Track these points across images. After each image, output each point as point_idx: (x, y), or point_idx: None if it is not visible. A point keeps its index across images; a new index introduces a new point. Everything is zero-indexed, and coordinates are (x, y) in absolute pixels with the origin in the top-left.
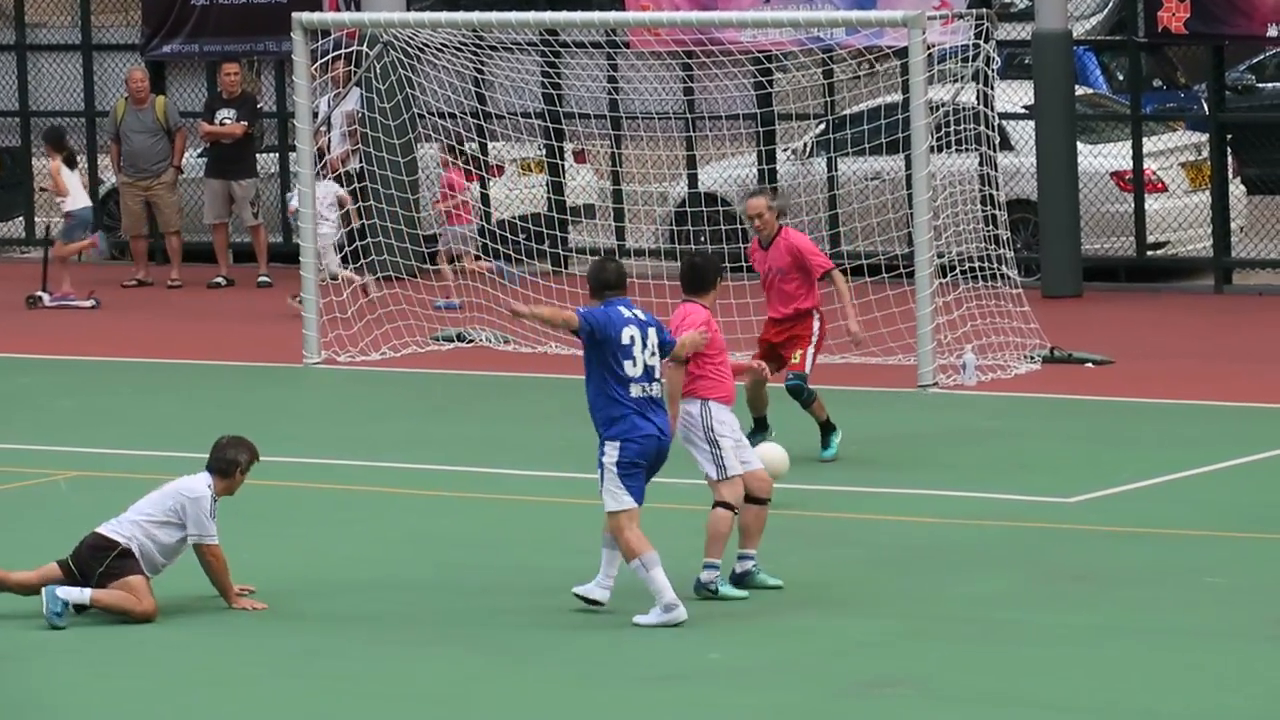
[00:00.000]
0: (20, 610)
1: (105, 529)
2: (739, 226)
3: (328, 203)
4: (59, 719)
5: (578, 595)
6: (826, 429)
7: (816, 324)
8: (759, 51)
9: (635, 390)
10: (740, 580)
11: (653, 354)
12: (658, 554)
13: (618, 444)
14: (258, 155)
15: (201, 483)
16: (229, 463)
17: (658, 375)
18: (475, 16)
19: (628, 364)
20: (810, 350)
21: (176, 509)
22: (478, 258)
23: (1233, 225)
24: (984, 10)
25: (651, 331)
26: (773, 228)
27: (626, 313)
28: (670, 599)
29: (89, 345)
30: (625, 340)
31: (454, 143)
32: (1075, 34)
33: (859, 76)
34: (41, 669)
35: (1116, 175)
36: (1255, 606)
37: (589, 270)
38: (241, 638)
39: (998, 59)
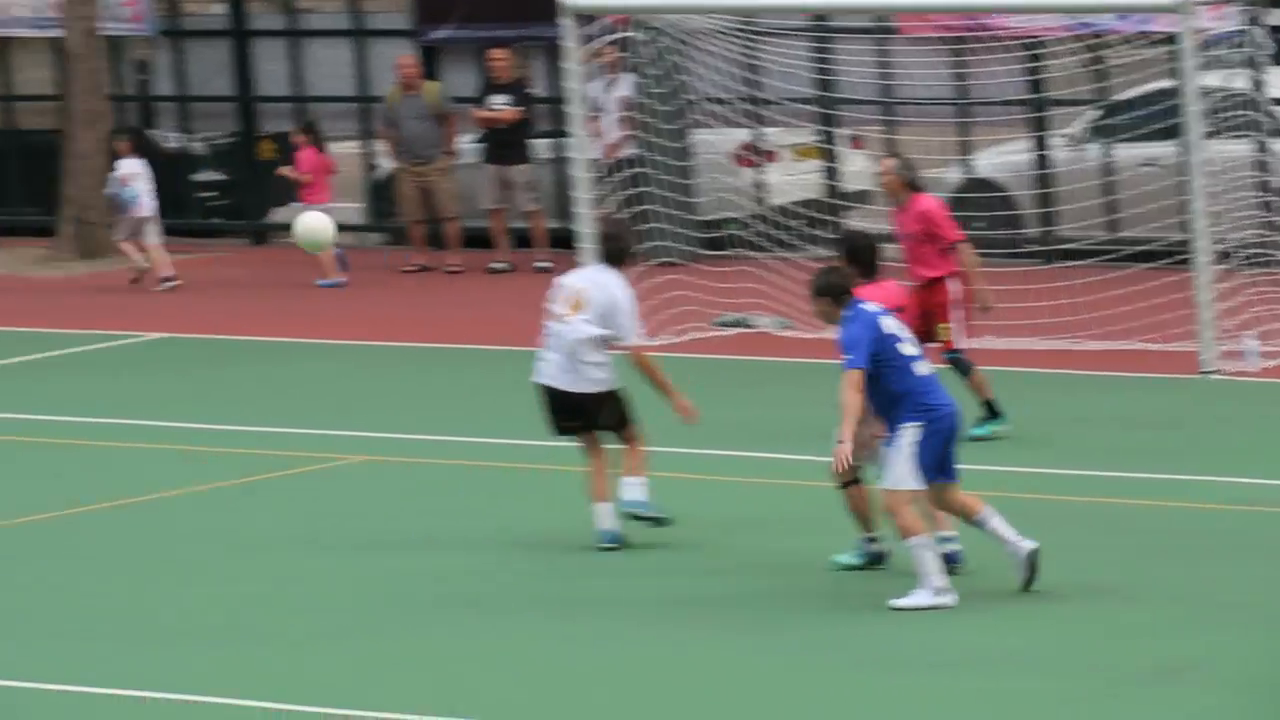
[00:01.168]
0: None
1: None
2: (1016, 212)
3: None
4: None
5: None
6: (990, 410)
7: (951, 291)
8: (1028, 36)
9: (920, 368)
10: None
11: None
12: (932, 537)
13: (919, 424)
14: (532, 140)
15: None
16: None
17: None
18: (744, 2)
19: (902, 346)
20: (952, 325)
21: None
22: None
23: None
24: None
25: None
26: (896, 190)
27: (870, 308)
28: (941, 583)
29: (373, 330)
30: (889, 330)
31: (307, 124)
32: None
33: (1130, 62)
34: None
35: None
36: None
37: (825, 285)
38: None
39: (1271, 44)
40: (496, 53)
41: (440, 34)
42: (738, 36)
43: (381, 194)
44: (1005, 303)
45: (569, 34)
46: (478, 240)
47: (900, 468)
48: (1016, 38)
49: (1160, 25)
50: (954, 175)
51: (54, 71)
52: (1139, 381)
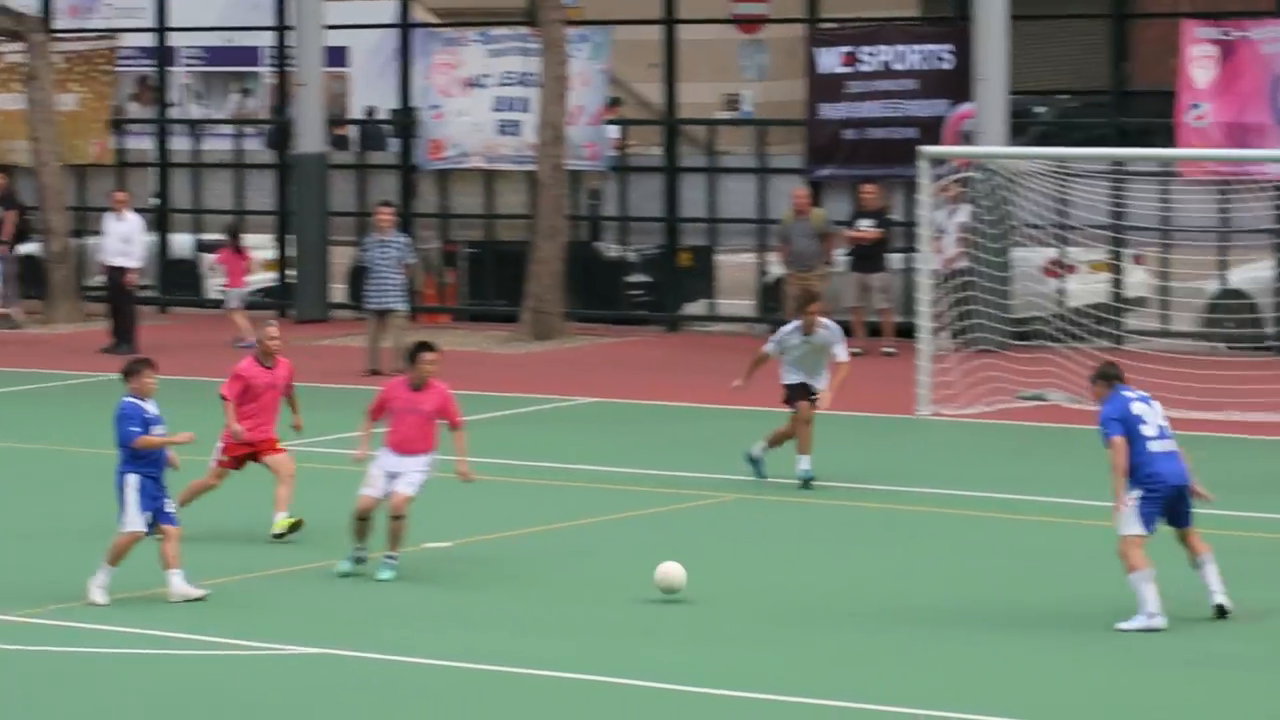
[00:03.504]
0: None
1: None
2: (1258, 316)
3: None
4: None
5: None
6: None
7: None
8: (1278, 179)
9: (1154, 446)
10: None
11: (1162, 416)
12: (1152, 572)
13: (1140, 490)
14: (888, 254)
15: None
16: None
17: (1169, 433)
18: (1061, 151)
19: (1143, 427)
20: None
21: None
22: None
23: None
24: None
25: (1156, 405)
26: None
27: (1129, 394)
28: (1152, 609)
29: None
30: (1136, 412)
31: (232, 231)
32: None
33: None
34: None
35: None
36: None
37: (1099, 373)
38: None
39: None
40: (866, 187)
41: (825, 171)
42: (1052, 176)
43: (770, 294)
44: (1245, 384)
45: (923, 173)
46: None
47: (1129, 518)
48: (1270, 180)
49: None
50: (1212, 286)
51: (526, 196)
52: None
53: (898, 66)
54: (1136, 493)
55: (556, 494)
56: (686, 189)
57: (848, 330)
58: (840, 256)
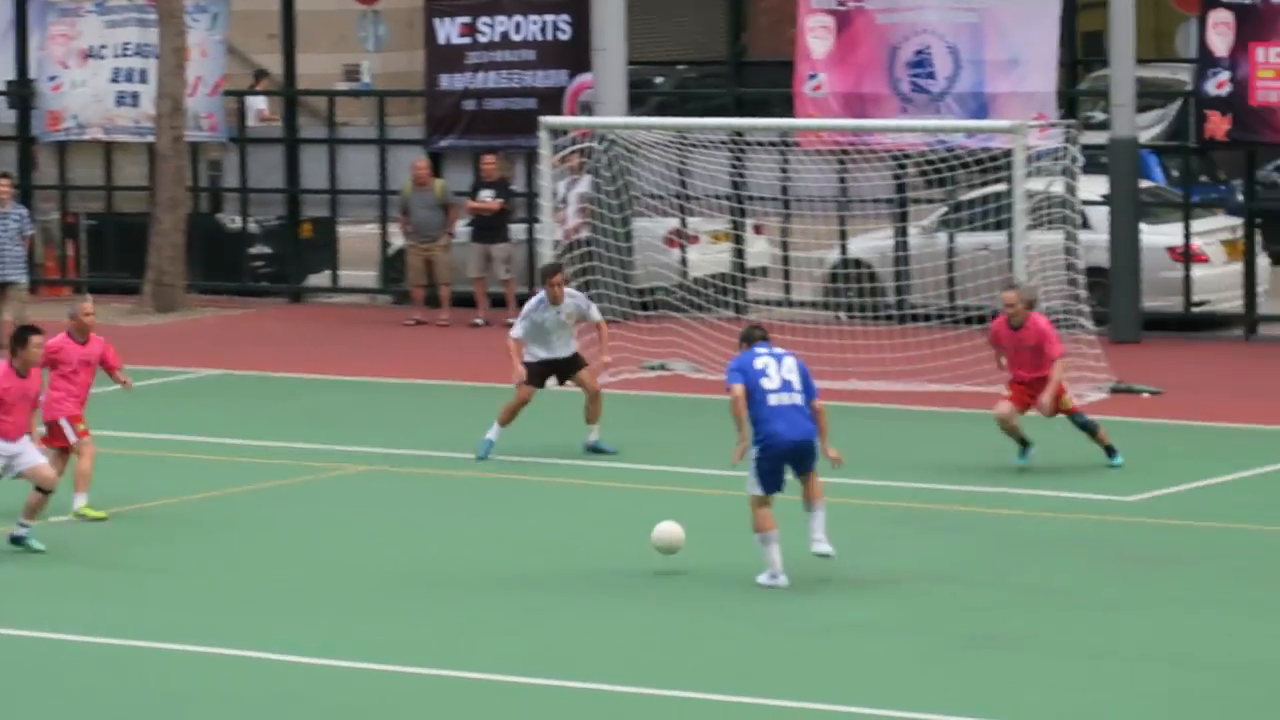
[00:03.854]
0: None
1: None
2: (879, 285)
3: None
4: None
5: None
6: (1110, 451)
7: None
8: (897, 150)
9: (774, 400)
10: None
11: (790, 371)
12: (775, 534)
13: (757, 449)
14: (510, 225)
15: None
16: None
17: (796, 387)
18: (680, 121)
19: (764, 380)
20: (1070, 396)
21: None
22: None
23: (1259, 289)
24: (1071, 121)
25: (788, 360)
26: (1020, 318)
27: (760, 349)
28: (775, 570)
29: (383, 369)
30: (759, 366)
31: None
32: (1141, 140)
33: (974, 170)
34: None
35: (1170, 249)
36: (1272, 583)
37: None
38: (503, 594)
39: (1081, 158)
40: (487, 157)
41: (445, 142)
42: (672, 147)
43: (392, 265)
44: (866, 353)
45: (543, 144)
46: (464, 301)
47: (750, 479)
48: (887, 150)
49: (998, 142)
50: (833, 255)
51: (146, 168)
52: (965, 416)
53: (516, 37)
54: (754, 451)
55: (185, 466)
56: (307, 160)
57: (471, 301)
58: (462, 227)
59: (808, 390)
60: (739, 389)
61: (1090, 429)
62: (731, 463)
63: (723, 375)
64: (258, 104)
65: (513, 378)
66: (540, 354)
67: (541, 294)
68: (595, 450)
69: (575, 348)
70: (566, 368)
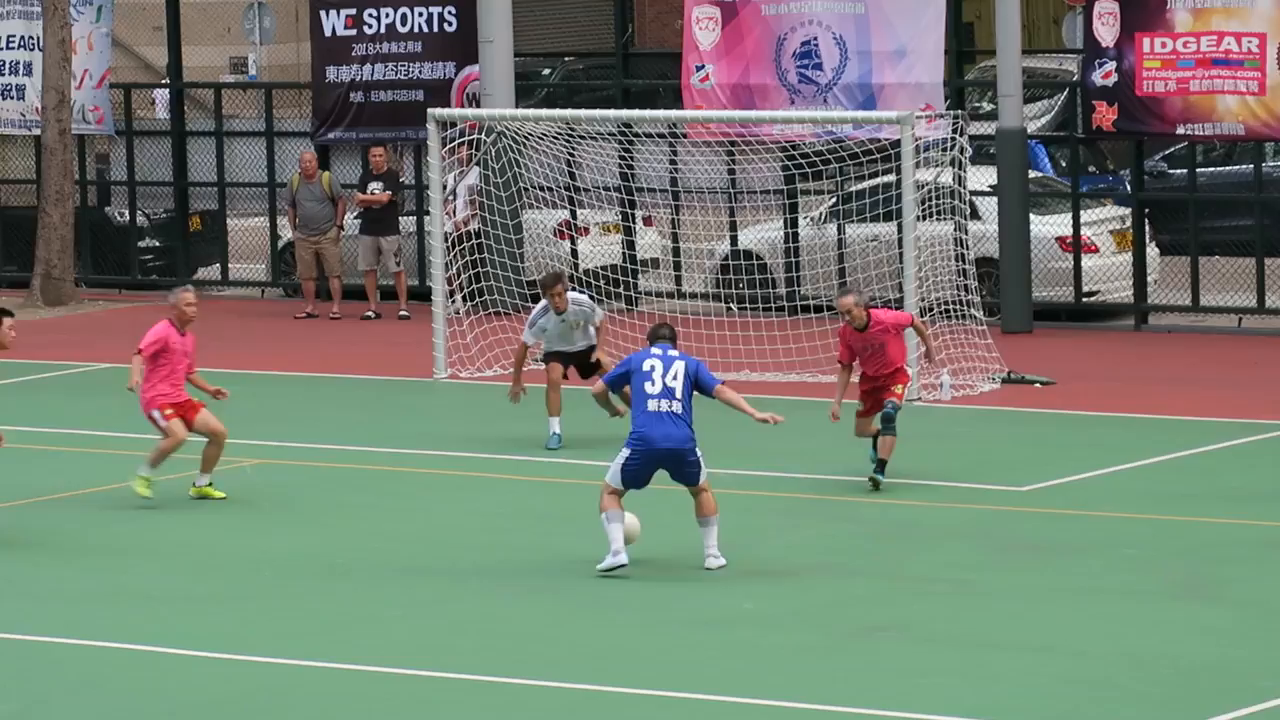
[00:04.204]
0: None
1: None
2: (769, 276)
3: None
4: None
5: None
6: (881, 465)
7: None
8: (786, 141)
9: (651, 406)
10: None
11: (675, 378)
12: (619, 513)
13: (628, 450)
14: (400, 217)
15: None
16: None
17: (678, 395)
18: (568, 113)
19: (647, 384)
20: (902, 389)
21: None
22: None
23: (1149, 278)
24: (959, 112)
25: (677, 365)
26: (863, 319)
27: (655, 350)
28: (616, 547)
29: (274, 363)
30: (646, 367)
31: None
32: (1029, 130)
33: (863, 161)
34: None
35: (1060, 239)
36: (1161, 572)
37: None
38: (385, 585)
39: (969, 149)
40: (375, 150)
41: (333, 135)
42: (561, 139)
43: (282, 258)
44: (758, 344)
45: (432, 136)
46: (355, 294)
47: (613, 469)
48: (776, 141)
49: (887, 133)
50: (724, 247)
51: (33, 161)
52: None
53: (403, 29)
54: (626, 450)
55: (74, 460)
56: (195, 153)
57: (362, 294)
58: (351, 220)
59: (702, 387)
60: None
61: (887, 424)
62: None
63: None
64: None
65: (510, 392)
66: (554, 348)
67: (544, 303)
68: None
69: (594, 339)
70: (582, 362)
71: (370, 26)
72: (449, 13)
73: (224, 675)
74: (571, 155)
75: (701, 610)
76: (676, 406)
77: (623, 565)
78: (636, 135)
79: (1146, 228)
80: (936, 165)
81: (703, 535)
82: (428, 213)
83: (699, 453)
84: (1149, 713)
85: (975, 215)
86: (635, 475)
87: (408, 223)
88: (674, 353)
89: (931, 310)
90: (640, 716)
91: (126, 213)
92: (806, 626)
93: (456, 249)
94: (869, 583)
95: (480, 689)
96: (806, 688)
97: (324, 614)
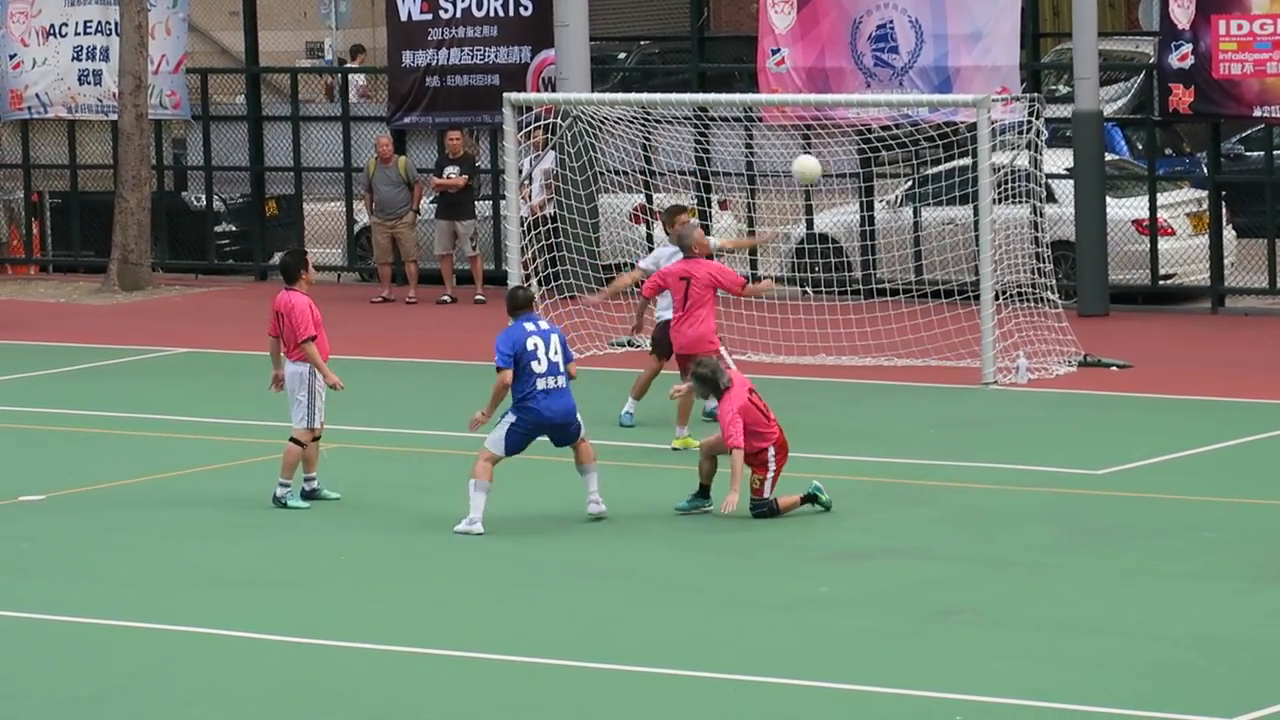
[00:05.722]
0: None
1: None
2: (845, 260)
3: None
4: None
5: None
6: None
7: None
8: (861, 125)
9: (541, 384)
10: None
11: (556, 352)
12: (487, 484)
13: (514, 417)
14: (476, 202)
15: None
16: None
17: (561, 369)
18: (644, 97)
19: (534, 363)
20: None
21: None
22: None
23: (1225, 261)
24: (1035, 95)
25: (553, 338)
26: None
27: (530, 326)
28: (475, 516)
29: (351, 347)
30: (530, 347)
31: None
32: (1105, 113)
33: (939, 144)
34: None
35: (1136, 222)
36: (1239, 555)
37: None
38: (462, 570)
39: (1046, 132)
40: (452, 134)
41: (409, 119)
42: (636, 123)
43: (358, 242)
44: (834, 329)
45: (508, 120)
46: (431, 278)
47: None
48: (852, 125)
49: (962, 116)
50: (799, 230)
51: (110, 146)
52: (936, 390)
53: (478, 13)
54: (510, 418)
55: (152, 445)
56: (271, 138)
57: (438, 278)
58: (427, 204)
59: (566, 359)
60: (508, 375)
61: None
62: (468, 430)
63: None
64: (359, 80)
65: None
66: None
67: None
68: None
69: None
70: None
71: (446, 11)
72: None
73: (298, 660)
74: (647, 139)
75: (776, 594)
76: (562, 381)
77: (479, 535)
78: (712, 119)
79: (1223, 210)
80: (1012, 148)
81: (586, 483)
82: (503, 197)
83: (578, 416)
84: (1228, 697)
85: (1051, 198)
86: (520, 442)
87: (483, 207)
88: (544, 324)
89: (1007, 293)
90: (716, 700)
91: (203, 197)
92: (882, 610)
93: (532, 233)
94: (944, 566)
95: (557, 673)
96: (882, 671)
97: (401, 599)
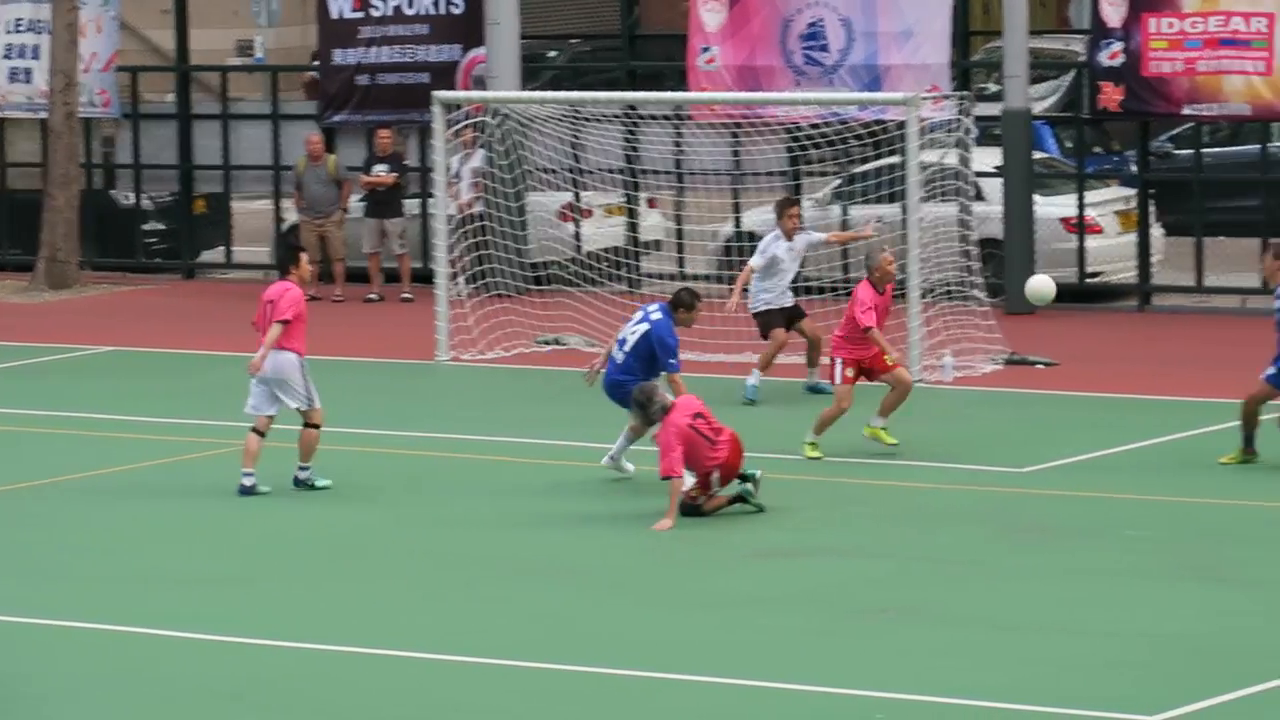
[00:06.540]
0: None
1: None
2: None
3: None
4: None
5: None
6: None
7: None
8: (791, 123)
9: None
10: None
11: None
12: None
13: None
14: (404, 200)
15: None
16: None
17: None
18: (574, 95)
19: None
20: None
21: None
22: None
23: (1153, 259)
24: (965, 93)
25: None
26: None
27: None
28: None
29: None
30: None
31: None
32: (1035, 111)
33: (868, 142)
34: None
35: (1064, 220)
36: (1166, 552)
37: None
38: (395, 569)
39: (975, 130)
40: (381, 132)
41: (339, 117)
42: (566, 121)
43: (286, 240)
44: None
45: (437, 118)
46: (357, 276)
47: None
48: (781, 123)
49: (892, 115)
50: (726, 229)
51: (39, 144)
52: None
53: (409, 11)
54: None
55: (76, 443)
56: (200, 136)
57: (365, 277)
58: (356, 202)
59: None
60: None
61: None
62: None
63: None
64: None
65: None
66: (775, 301)
67: (773, 233)
68: (815, 390)
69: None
70: (795, 315)
71: (377, 9)
72: None
73: (234, 659)
74: (576, 137)
75: (707, 592)
76: (618, 355)
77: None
78: (641, 117)
79: (1151, 208)
80: (942, 146)
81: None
82: (432, 195)
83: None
84: (1154, 694)
85: (980, 196)
86: None
87: (412, 205)
88: (651, 310)
89: (934, 291)
90: (643, 698)
91: (131, 196)
92: (812, 608)
93: (460, 231)
94: (874, 564)
95: (493, 672)
96: (810, 669)
97: (336, 598)
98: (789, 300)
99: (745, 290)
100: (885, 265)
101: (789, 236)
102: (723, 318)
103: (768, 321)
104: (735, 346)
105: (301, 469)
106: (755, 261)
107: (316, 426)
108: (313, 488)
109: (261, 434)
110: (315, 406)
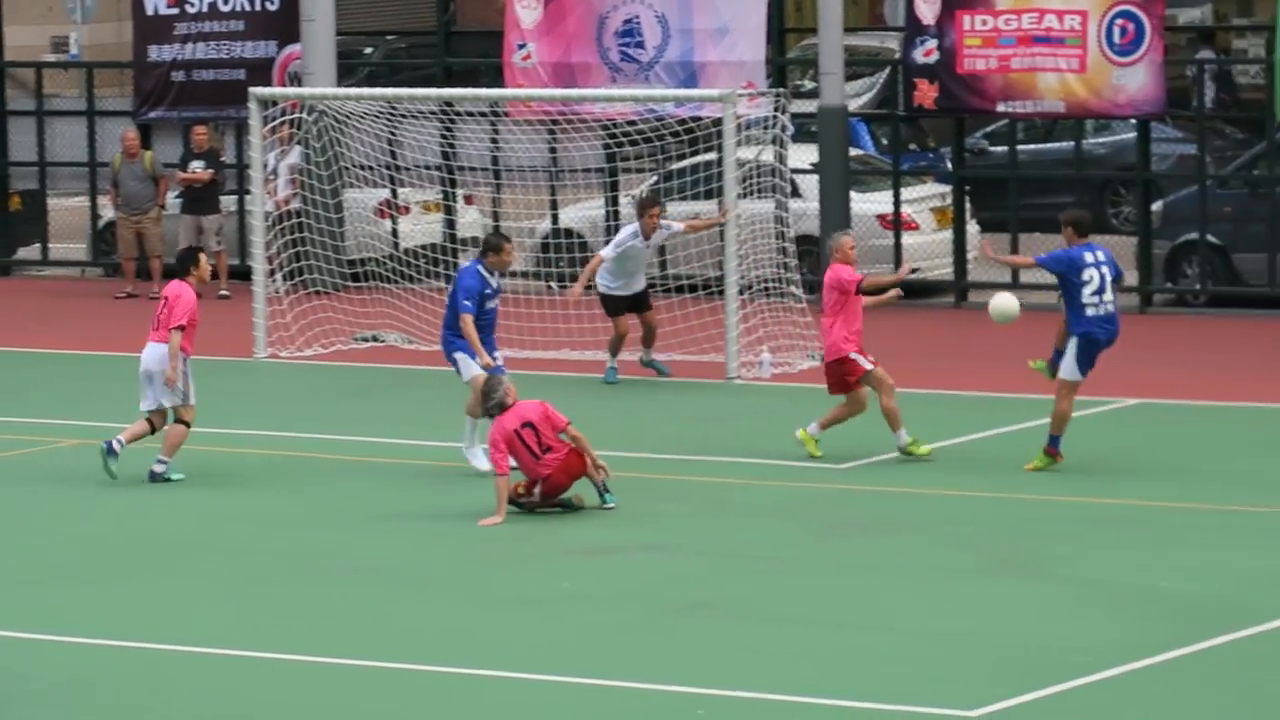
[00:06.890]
0: None
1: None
2: (590, 255)
3: None
4: None
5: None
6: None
7: None
8: (607, 120)
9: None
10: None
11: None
12: None
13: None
14: (221, 197)
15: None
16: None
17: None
18: (389, 91)
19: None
20: None
21: None
22: None
23: (969, 256)
24: (781, 90)
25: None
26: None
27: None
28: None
29: (93, 343)
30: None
31: None
32: (850, 108)
33: (684, 139)
34: None
35: (880, 217)
36: (982, 548)
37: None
38: (206, 567)
39: (791, 127)
40: (197, 129)
41: (155, 114)
42: (383, 118)
43: (102, 237)
44: (578, 324)
45: (253, 115)
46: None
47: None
48: (598, 120)
49: (708, 111)
50: (544, 225)
51: None
52: (680, 385)
53: (224, 8)
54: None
55: None
56: (15, 132)
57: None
58: (173, 199)
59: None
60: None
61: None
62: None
63: (435, 346)
64: None
65: (571, 292)
66: (622, 289)
67: (632, 227)
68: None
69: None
70: (640, 303)
71: (192, 5)
72: None
73: (46, 658)
74: (393, 134)
75: (522, 589)
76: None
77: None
78: (458, 114)
79: (967, 205)
80: (758, 143)
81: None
82: (249, 192)
83: None
84: (969, 690)
85: (796, 193)
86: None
87: (229, 202)
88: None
89: (751, 288)
90: (463, 695)
91: None
92: (627, 605)
93: (277, 228)
94: (690, 561)
95: (300, 670)
96: (625, 666)
97: (137, 596)
98: (640, 285)
99: (589, 287)
100: (847, 249)
101: (647, 236)
102: (540, 314)
103: (615, 307)
104: (554, 344)
105: (160, 462)
106: (607, 253)
107: (187, 424)
108: (168, 481)
109: (187, 424)
110: (190, 403)
